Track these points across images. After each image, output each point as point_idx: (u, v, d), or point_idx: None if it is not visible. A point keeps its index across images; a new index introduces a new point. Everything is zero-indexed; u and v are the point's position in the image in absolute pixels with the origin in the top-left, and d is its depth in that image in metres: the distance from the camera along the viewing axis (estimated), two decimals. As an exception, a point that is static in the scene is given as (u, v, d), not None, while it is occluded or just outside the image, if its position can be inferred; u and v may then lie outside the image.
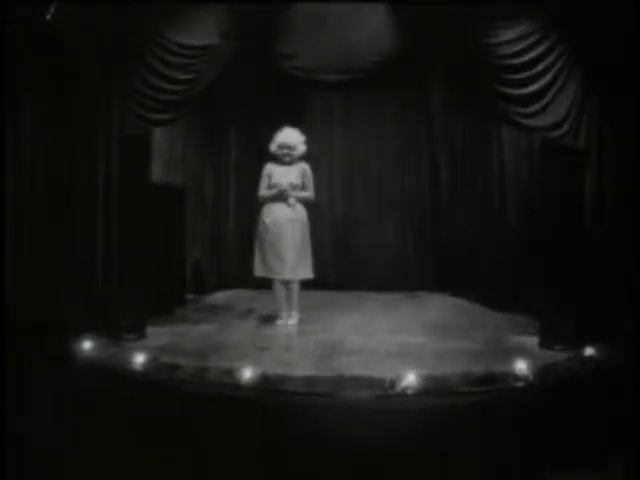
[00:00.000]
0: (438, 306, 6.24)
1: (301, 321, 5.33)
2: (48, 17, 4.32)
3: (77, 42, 4.46)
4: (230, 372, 3.71)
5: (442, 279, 7.06)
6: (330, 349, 4.44)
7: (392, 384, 3.53)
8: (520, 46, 4.41)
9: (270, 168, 5.28)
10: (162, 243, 5.52)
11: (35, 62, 4.42)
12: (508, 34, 4.42)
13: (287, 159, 5.23)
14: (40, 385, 3.85)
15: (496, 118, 5.37)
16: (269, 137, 7.53)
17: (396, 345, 4.53)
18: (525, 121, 4.56)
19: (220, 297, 6.82)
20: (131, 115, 4.65)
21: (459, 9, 4.36)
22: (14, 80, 4.29)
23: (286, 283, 5.24)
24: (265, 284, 7.13)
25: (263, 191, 5.26)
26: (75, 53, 4.49)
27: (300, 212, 5.21)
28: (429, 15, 4.44)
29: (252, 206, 7.61)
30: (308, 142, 7.52)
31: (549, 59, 4.42)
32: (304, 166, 5.29)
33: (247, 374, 3.63)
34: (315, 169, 7.45)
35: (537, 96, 4.47)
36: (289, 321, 5.27)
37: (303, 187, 5.25)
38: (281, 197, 5.16)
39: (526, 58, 4.42)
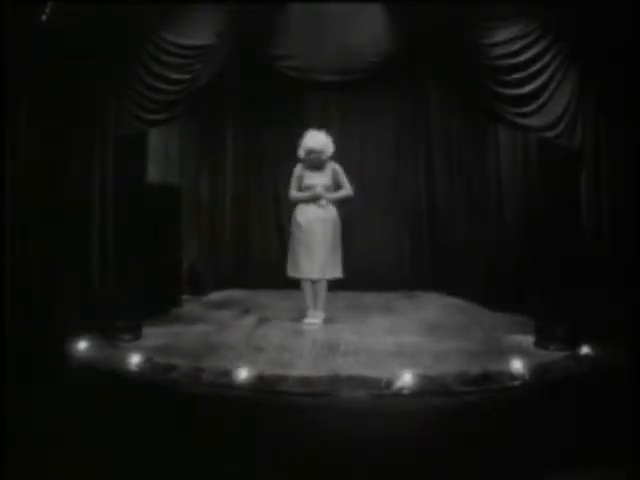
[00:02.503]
0: (435, 306, 6.24)
1: (297, 321, 5.33)
2: (44, 17, 4.31)
3: (74, 42, 4.46)
4: (226, 372, 3.71)
5: (439, 279, 7.06)
6: (327, 349, 4.44)
7: (388, 384, 3.53)
8: (516, 46, 4.42)
9: (300, 170, 5.33)
10: (158, 243, 5.51)
11: (31, 62, 4.41)
12: (505, 34, 4.43)
13: (317, 163, 5.27)
14: (37, 385, 3.85)
15: (493, 118, 5.38)
16: (266, 137, 7.60)
17: (393, 345, 4.53)
18: (521, 121, 4.57)
19: (216, 297, 6.81)
20: (127, 115, 4.65)
21: (456, 9, 4.37)
22: (12, 80, 4.28)
23: (314, 282, 5.29)
24: (262, 284, 7.17)
25: (294, 192, 5.33)
26: (71, 53, 4.49)
27: (332, 212, 5.29)
28: (426, 15, 4.44)
29: (248, 206, 7.68)
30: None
31: (545, 59, 4.44)
32: (334, 166, 5.34)
33: (243, 374, 3.62)
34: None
35: (533, 96, 4.48)
36: (314, 319, 5.30)
37: (336, 187, 5.31)
38: (315, 200, 5.22)
39: (522, 58, 4.43)
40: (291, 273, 5.36)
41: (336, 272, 5.31)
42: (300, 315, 5.39)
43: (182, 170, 6.90)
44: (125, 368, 3.88)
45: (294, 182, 5.33)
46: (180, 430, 3.50)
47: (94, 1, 4.38)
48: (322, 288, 5.30)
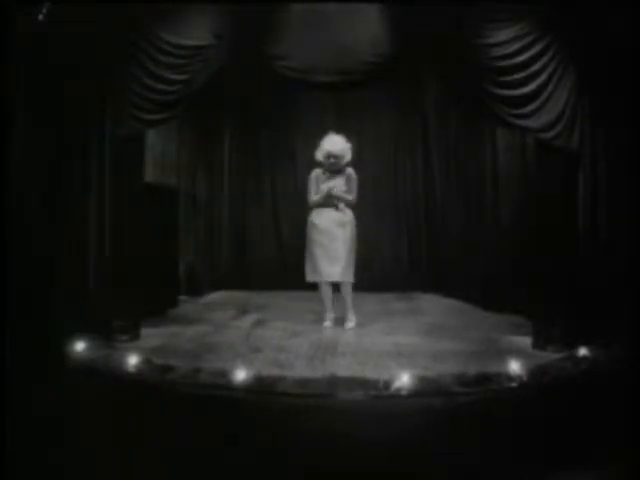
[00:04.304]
0: (432, 307, 6.25)
1: (295, 320, 5.32)
2: (40, 17, 4.30)
3: (71, 42, 4.45)
4: (224, 373, 3.70)
5: (436, 280, 7.07)
6: (324, 350, 4.43)
7: (386, 385, 3.52)
8: (515, 47, 4.42)
9: (317, 174, 5.28)
10: (156, 243, 5.50)
11: (28, 62, 4.40)
12: (503, 35, 4.42)
13: (334, 168, 5.21)
14: (36, 385, 3.84)
15: (490, 119, 5.38)
16: (264, 137, 7.60)
17: (390, 346, 4.53)
18: (519, 122, 4.57)
19: (213, 298, 6.82)
20: (125, 115, 4.63)
21: (454, 10, 4.36)
22: (11, 80, 4.27)
23: (333, 286, 5.26)
24: (260, 285, 7.17)
25: (312, 197, 5.26)
26: (68, 53, 4.48)
27: (348, 215, 5.22)
28: (424, 15, 4.44)
29: (245, 206, 7.68)
30: (301, 143, 7.57)
31: (543, 60, 4.43)
32: (350, 172, 5.26)
33: (240, 375, 3.61)
34: (308, 170, 7.49)
35: (531, 97, 4.47)
36: (346, 325, 5.23)
37: (349, 192, 5.24)
38: (328, 201, 5.17)
39: (521, 59, 4.43)
40: (311, 277, 5.27)
41: (350, 276, 5.22)
42: (297, 315, 5.38)
43: (180, 170, 6.91)
44: (122, 369, 3.86)
45: (312, 187, 5.26)
46: (178, 431, 3.49)
47: (93, 1, 4.37)
48: (348, 291, 5.23)
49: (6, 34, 4.16)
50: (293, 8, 4.59)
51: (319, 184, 5.23)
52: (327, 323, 5.28)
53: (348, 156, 5.26)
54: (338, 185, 5.18)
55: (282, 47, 4.67)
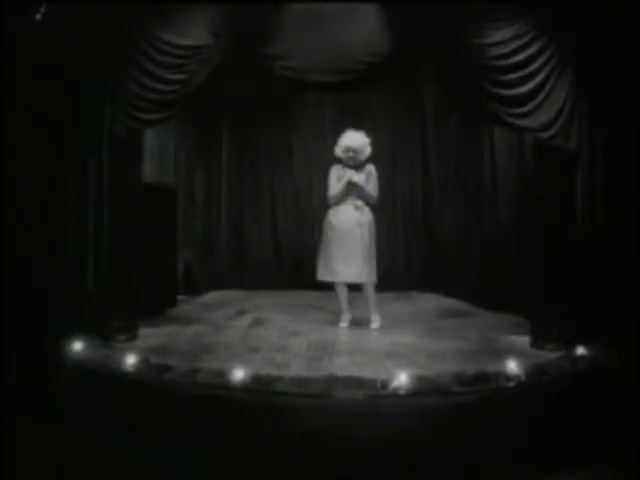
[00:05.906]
0: (431, 306, 6.24)
1: (294, 320, 5.32)
2: (38, 17, 4.30)
3: (69, 42, 4.45)
4: (222, 373, 3.70)
5: (434, 279, 7.07)
6: (322, 349, 4.44)
7: (384, 384, 3.52)
8: (513, 46, 4.41)
9: (337, 170, 5.23)
10: (153, 243, 5.49)
11: (26, 62, 4.40)
12: (501, 34, 4.42)
13: (352, 163, 5.16)
14: (32, 386, 3.84)
15: (488, 119, 5.38)
16: (262, 137, 7.59)
17: (388, 345, 4.53)
18: (517, 122, 4.57)
19: (212, 297, 6.81)
20: (123, 115, 4.63)
21: (452, 9, 4.37)
22: (10, 80, 4.27)
23: (346, 286, 5.25)
24: (258, 285, 7.17)
25: (332, 190, 5.17)
26: (67, 53, 4.47)
27: (367, 215, 5.17)
28: (422, 15, 4.44)
29: (244, 206, 7.68)
30: (299, 143, 7.54)
31: (541, 59, 4.43)
32: (370, 168, 5.21)
33: (239, 375, 3.62)
34: (306, 170, 7.48)
35: (529, 97, 4.47)
36: (371, 325, 5.20)
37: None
38: (348, 194, 5.11)
39: (518, 58, 4.43)
40: (323, 277, 5.23)
41: (372, 276, 5.16)
42: (295, 314, 5.38)
43: (178, 170, 6.90)
44: (121, 369, 3.87)
45: (332, 182, 5.19)
46: (176, 430, 3.50)
47: (91, 1, 4.37)
48: (370, 292, 5.19)
49: (6, 34, 4.16)
50: (291, 8, 4.59)
51: (339, 179, 5.16)
52: (343, 324, 5.25)
53: (367, 151, 5.20)
54: (357, 178, 5.12)
55: (281, 47, 4.67)
